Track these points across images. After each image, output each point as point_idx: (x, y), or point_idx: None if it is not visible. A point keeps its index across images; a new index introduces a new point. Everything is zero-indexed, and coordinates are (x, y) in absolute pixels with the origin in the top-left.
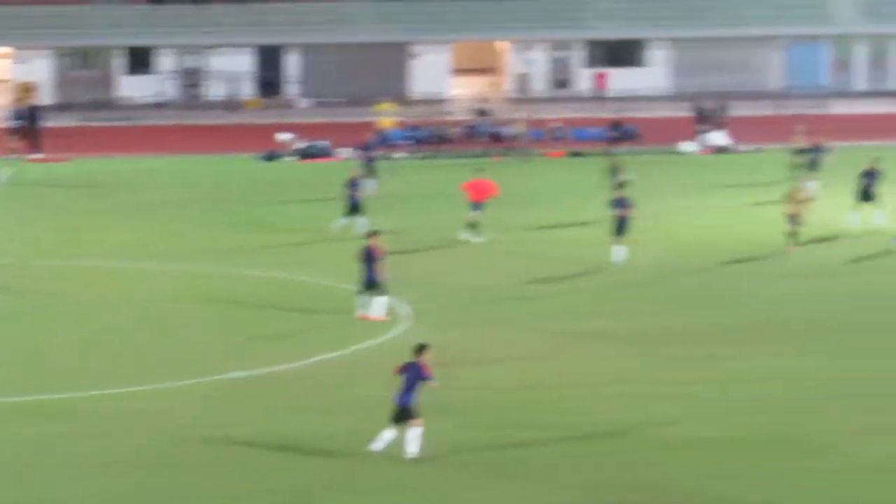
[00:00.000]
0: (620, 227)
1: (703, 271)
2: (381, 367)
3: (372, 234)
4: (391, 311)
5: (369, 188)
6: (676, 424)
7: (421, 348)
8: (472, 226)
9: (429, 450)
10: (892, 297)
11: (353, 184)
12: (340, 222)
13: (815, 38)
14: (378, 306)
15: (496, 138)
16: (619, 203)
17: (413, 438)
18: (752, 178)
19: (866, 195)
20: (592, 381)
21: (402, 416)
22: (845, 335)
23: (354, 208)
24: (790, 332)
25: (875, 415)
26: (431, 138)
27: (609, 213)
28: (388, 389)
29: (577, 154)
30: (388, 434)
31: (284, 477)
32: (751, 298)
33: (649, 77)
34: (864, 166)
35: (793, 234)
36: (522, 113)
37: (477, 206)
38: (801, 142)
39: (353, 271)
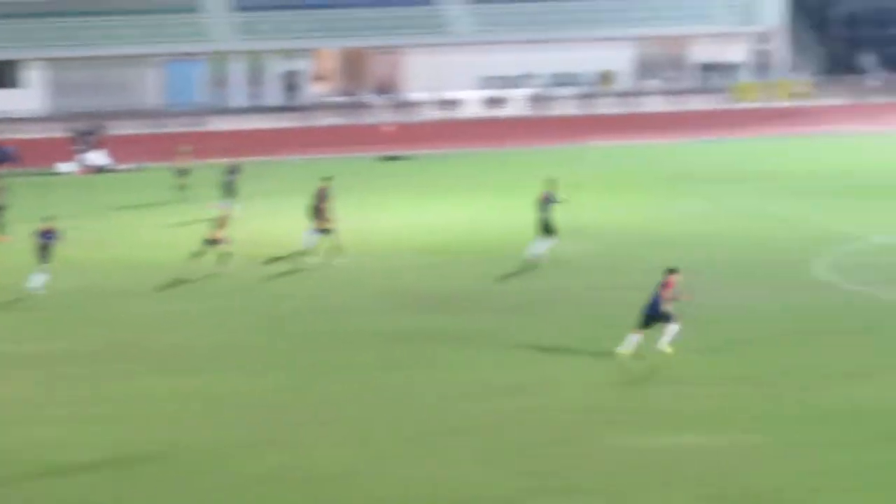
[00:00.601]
0: (44, 255)
1: (106, 294)
2: None
3: None
4: None
5: None
6: (64, 447)
7: None
8: None
9: None
10: (296, 315)
11: None
12: None
13: (191, 55)
14: None
15: None
16: (45, 235)
17: None
18: (136, 197)
19: (318, 212)
20: None
21: None
22: (245, 352)
23: None
24: (188, 352)
25: (254, 430)
26: None
27: (34, 242)
28: None
29: None
30: None
31: None
32: (156, 319)
33: (26, 98)
34: (317, 185)
35: (202, 254)
36: None
37: None
38: (184, 161)
39: None
